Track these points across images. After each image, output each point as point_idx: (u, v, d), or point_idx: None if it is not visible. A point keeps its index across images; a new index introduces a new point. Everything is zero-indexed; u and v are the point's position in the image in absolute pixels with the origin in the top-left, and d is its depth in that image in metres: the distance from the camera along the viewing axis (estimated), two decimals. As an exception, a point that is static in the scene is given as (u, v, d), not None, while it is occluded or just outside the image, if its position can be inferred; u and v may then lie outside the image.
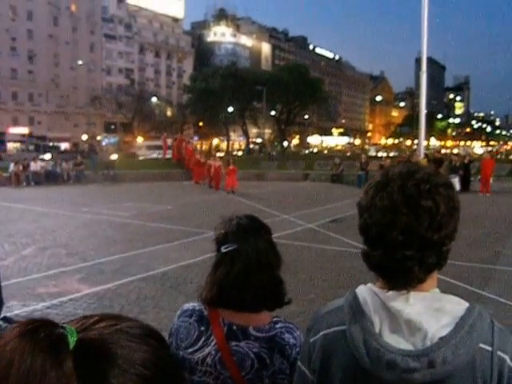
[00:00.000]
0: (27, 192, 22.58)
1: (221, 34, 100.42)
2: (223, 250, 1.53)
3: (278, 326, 1.51)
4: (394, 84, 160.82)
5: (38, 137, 55.97)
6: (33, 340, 0.51)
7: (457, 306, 1.00)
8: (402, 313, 0.99)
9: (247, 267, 1.50)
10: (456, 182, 22.24)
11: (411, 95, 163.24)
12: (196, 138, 71.53)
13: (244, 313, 1.50)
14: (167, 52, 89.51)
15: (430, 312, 0.99)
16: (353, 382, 1.03)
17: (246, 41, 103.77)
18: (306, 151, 76.55)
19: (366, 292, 1.06)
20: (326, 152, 71.46)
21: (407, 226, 0.97)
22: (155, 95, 74.60)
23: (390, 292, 1.02)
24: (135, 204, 17.24)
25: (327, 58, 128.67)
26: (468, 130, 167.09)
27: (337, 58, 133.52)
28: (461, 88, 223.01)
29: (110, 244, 10.40)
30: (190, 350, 1.51)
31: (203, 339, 1.51)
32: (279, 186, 25.24)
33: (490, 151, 48.31)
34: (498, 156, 59.38)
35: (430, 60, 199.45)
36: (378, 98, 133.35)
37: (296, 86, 68.13)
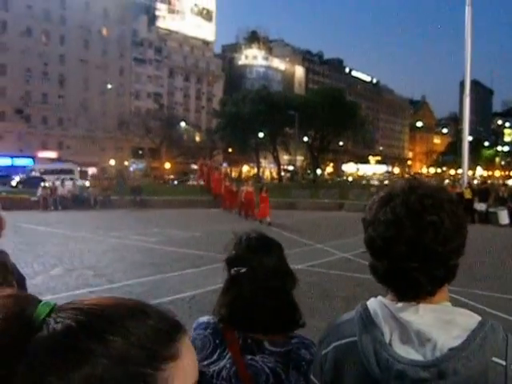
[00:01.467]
0: (55, 216, 23.73)
1: (252, 57, 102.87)
2: (233, 272, 1.62)
3: (293, 341, 1.56)
4: (436, 109, 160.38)
5: (66, 161, 58.34)
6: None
7: (468, 319, 1.04)
8: (411, 324, 1.04)
9: (256, 290, 1.57)
10: (505, 215, 22.24)
11: (455, 121, 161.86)
12: (225, 164, 72.95)
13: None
14: (197, 76, 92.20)
15: (440, 324, 1.03)
16: None
17: (279, 64, 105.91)
18: (338, 179, 76.01)
19: (376, 304, 1.12)
20: (362, 181, 71.13)
21: (411, 239, 1.03)
22: (184, 120, 76.76)
23: (400, 304, 1.08)
24: (163, 230, 17.91)
25: (364, 81, 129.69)
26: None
27: (374, 81, 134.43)
28: (510, 113, 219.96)
29: (138, 267, 11.03)
30: (206, 363, 1.56)
31: (218, 352, 1.57)
32: (312, 215, 25.53)
33: None
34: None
35: (476, 83, 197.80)
36: (419, 124, 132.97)
37: (330, 111, 68.51)
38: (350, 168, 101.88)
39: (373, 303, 1.14)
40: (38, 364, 0.51)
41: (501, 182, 59.36)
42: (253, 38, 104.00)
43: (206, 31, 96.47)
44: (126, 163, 73.02)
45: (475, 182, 44.88)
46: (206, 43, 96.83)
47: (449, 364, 0.97)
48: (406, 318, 1.05)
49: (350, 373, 1.11)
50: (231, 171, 69.92)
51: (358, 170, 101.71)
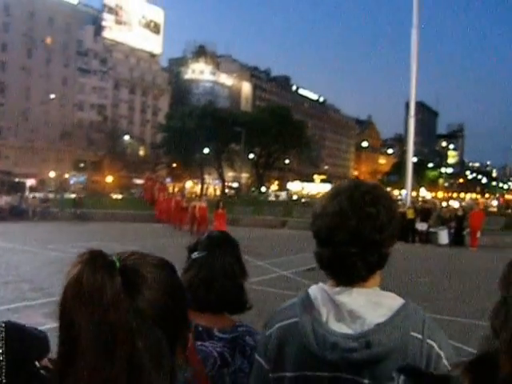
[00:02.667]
0: (-9, 227, 23.44)
1: (199, 72, 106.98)
2: (193, 256, 1.93)
3: (240, 329, 1.84)
4: (382, 129, 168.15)
5: (3, 172, 59.79)
6: (94, 264, 0.86)
7: (394, 301, 1.32)
8: (345, 304, 1.29)
9: (212, 273, 1.85)
10: (444, 235, 23.54)
11: (400, 142, 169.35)
12: (169, 179, 75.48)
13: (209, 314, 1.83)
14: (143, 88, 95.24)
15: (369, 304, 1.29)
16: (303, 365, 1.32)
17: (226, 79, 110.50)
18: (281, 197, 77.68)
19: (316, 289, 1.38)
20: (306, 199, 73.88)
21: (353, 228, 1.28)
22: (128, 133, 79.16)
23: (337, 288, 1.33)
24: (102, 243, 17.04)
25: (311, 99, 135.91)
26: (462, 180, 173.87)
27: (321, 99, 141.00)
28: (454, 136, 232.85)
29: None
30: None
31: None
32: (255, 232, 25.10)
33: (478, 204, 51.14)
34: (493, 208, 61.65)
35: (422, 105, 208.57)
36: (364, 144, 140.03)
37: (277, 129, 72.55)
38: (295, 186, 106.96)
39: (313, 289, 1.39)
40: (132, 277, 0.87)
41: (440, 202, 64.44)
42: (200, 53, 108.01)
43: (153, 44, 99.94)
44: (67, 175, 74.44)
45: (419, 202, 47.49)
46: (152, 56, 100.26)
47: (374, 336, 1.23)
48: (341, 299, 1.30)
49: (291, 349, 1.35)
50: (174, 187, 72.52)
51: (303, 188, 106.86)
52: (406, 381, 0.99)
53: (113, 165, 72.86)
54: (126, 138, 77.46)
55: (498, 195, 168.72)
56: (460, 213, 25.46)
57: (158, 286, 0.92)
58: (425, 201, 45.93)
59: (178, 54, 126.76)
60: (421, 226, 24.55)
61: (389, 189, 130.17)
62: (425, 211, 26.08)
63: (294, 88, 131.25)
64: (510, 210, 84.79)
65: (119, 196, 59.22)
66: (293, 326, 1.37)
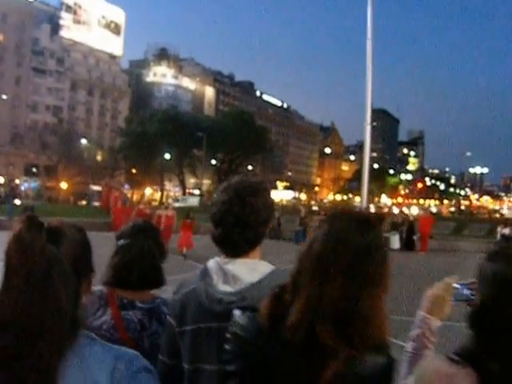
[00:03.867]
0: None
1: (161, 75, 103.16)
2: (119, 243, 2.30)
3: (157, 300, 2.24)
4: (345, 136, 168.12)
5: None
6: (28, 224, 1.18)
7: (266, 268, 1.72)
8: (230, 271, 1.68)
9: (133, 257, 2.22)
10: (396, 240, 24.57)
11: (362, 148, 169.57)
12: (127, 186, 72.00)
13: (132, 291, 2.20)
14: (101, 90, 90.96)
15: (247, 270, 1.69)
16: (198, 319, 1.68)
17: (189, 83, 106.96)
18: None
19: (212, 262, 1.76)
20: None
21: (237, 213, 1.67)
22: (85, 137, 75.10)
23: (226, 259, 1.72)
24: None
25: (275, 105, 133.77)
26: (420, 186, 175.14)
27: (285, 105, 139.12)
28: (415, 143, 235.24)
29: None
30: (91, 319, 2.15)
31: (102, 310, 2.19)
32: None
33: (427, 209, 51.74)
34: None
35: (384, 112, 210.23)
36: (327, 151, 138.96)
37: (239, 135, 70.36)
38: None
39: (210, 262, 1.77)
40: None
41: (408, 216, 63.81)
42: (162, 55, 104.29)
43: (113, 45, 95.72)
44: (18, 181, 69.96)
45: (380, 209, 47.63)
46: (112, 57, 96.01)
47: (248, 292, 1.61)
48: (227, 268, 1.69)
49: (191, 308, 1.71)
50: (133, 193, 69.06)
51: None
52: (241, 314, 1.46)
53: (68, 170, 68.52)
54: (83, 141, 73.30)
55: (454, 201, 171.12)
56: (412, 218, 27.27)
57: (74, 241, 1.41)
58: (380, 207, 45.49)
59: (139, 55, 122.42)
60: None
61: (350, 195, 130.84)
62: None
63: (258, 94, 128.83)
64: (464, 216, 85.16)
65: (83, 202, 56.09)
66: (192, 290, 1.73)
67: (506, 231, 25.65)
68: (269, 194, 1.81)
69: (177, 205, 45.16)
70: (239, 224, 1.70)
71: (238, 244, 1.72)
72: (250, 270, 1.70)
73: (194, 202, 62.54)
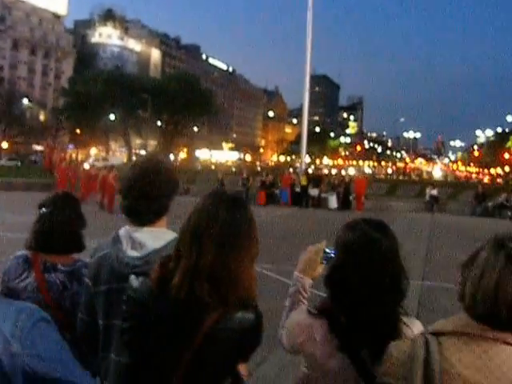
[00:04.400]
0: None
1: (107, 36, 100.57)
2: (41, 211, 2.40)
3: (78, 263, 2.35)
4: (288, 100, 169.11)
5: None
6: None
7: (170, 235, 1.91)
8: (137, 238, 1.89)
9: (54, 224, 2.34)
10: (333, 200, 25.35)
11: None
12: (71, 146, 70.77)
13: (55, 255, 2.32)
14: (45, 50, 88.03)
15: (152, 238, 1.89)
16: (110, 280, 1.87)
17: (135, 45, 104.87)
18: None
19: (122, 230, 1.95)
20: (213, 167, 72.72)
21: (142, 187, 1.91)
22: (27, 96, 72.91)
23: (134, 228, 1.92)
24: None
25: (221, 69, 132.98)
26: (359, 149, 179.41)
27: (230, 69, 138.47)
28: (355, 108, 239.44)
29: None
30: (17, 281, 2.27)
31: (26, 273, 2.29)
32: None
33: (362, 171, 53.57)
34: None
35: (325, 78, 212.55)
36: (271, 114, 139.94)
37: (185, 97, 70.08)
38: (203, 154, 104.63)
39: (121, 230, 1.95)
40: None
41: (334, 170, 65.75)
42: (108, 16, 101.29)
43: (56, 4, 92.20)
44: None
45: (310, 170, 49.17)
46: (56, 17, 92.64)
47: (151, 257, 1.81)
48: (135, 235, 1.89)
49: (104, 270, 1.90)
50: (78, 154, 68.07)
51: (211, 156, 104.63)
52: (134, 278, 1.66)
53: (9, 130, 66.40)
54: (25, 101, 71.05)
55: (390, 163, 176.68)
56: (347, 179, 27.61)
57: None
58: (318, 169, 46.45)
59: (84, 16, 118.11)
60: (313, 192, 25.64)
61: (294, 157, 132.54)
62: (316, 178, 27.71)
63: (204, 57, 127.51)
64: (401, 177, 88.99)
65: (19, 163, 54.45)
66: (106, 254, 1.91)
67: (434, 192, 27.02)
68: (171, 171, 2.06)
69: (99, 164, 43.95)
70: (144, 197, 1.91)
71: (143, 215, 1.92)
72: (155, 237, 1.90)
73: (117, 160, 61.50)
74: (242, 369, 1.77)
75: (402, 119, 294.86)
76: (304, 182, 26.04)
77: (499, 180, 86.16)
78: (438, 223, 20.74)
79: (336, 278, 1.73)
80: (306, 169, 31.19)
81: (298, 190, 26.11)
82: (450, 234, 17.15)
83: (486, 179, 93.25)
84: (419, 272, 10.06)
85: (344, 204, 24.88)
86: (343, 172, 62.28)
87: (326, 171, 59.13)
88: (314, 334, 1.74)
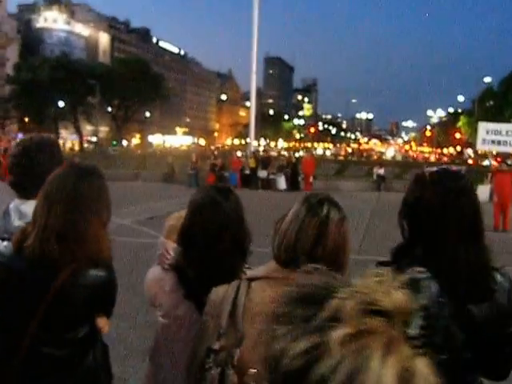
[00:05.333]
0: None
1: (52, 20, 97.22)
2: None
3: None
4: (242, 83, 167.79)
5: None
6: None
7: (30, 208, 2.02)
8: (23, 209, 2.10)
9: None
10: (282, 181, 25.34)
11: (259, 95, 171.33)
12: (20, 135, 68.55)
13: None
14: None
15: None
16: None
17: (82, 29, 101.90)
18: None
19: (12, 203, 2.17)
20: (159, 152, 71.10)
21: (25, 165, 2.15)
22: (-30, 85, 70.04)
23: (21, 201, 2.14)
24: None
25: (172, 52, 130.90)
26: (313, 131, 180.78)
27: (182, 52, 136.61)
28: (309, 90, 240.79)
29: None
30: None
31: None
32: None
33: (309, 151, 53.92)
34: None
35: (279, 60, 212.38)
36: (223, 97, 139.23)
37: (135, 82, 69.15)
38: (157, 139, 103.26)
39: (11, 203, 2.18)
40: None
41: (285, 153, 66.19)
42: (53, 0, 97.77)
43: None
44: None
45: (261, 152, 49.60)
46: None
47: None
48: (21, 207, 2.10)
49: None
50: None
51: (164, 142, 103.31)
52: (0, 243, 1.90)
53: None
54: (-31, 89, 68.18)
55: (344, 144, 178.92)
56: (294, 160, 27.86)
57: None
58: (265, 150, 46.44)
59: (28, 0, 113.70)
60: (262, 174, 25.86)
61: (248, 140, 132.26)
62: (265, 160, 27.74)
63: (155, 40, 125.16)
64: (357, 158, 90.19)
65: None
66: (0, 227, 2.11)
67: (381, 171, 27.52)
68: (55, 148, 2.30)
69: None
70: (27, 173, 2.12)
71: (28, 189, 2.09)
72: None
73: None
74: (102, 322, 1.94)
75: (354, 100, 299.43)
76: (252, 164, 26.29)
77: (445, 159, 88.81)
78: (382, 201, 21.14)
79: (185, 235, 1.93)
80: (255, 151, 31.12)
81: (247, 172, 26.26)
82: (391, 211, 17.28)
83: (433, 158, 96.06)
84: (356, 247, 10.29)
85: (292, 185, 24.93)
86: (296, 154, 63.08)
87: (274, 153, 59.44)
88: (164, 285, 1.97)
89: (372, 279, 0.62)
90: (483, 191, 17.32)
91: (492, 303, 1.64)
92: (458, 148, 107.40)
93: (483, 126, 21.43)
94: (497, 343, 1.66)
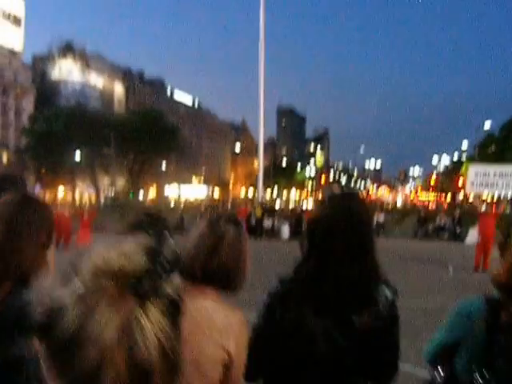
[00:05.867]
0: None
1: (67, 71, 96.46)
2: None
3: None
4: (255, 133, 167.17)
5: None
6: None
7: None
8: None
9: None
10: (286, 230, 25.79)
11: (273, 145, 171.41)
12: (38, 187, 66.40)
13: None
14: (2, 87, 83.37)
15: None
16: None
17: (97, 80, 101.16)
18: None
19: None
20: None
21: None
22: (-14, 137, 68.49)
23: None
24: None
25: (186, 105, 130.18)
26: (323, 180, 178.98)
27: (196, 104, 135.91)
28: (321, 138, 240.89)
29: None
30: None
31: None
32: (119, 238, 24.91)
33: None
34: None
35: (291, 111, 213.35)
36: (237, 149, 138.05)
37: (149, 134, 67.80)
38: (172, 191, 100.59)
39: None
40: None
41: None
42: (68, 50, 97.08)
43: (11, 38, 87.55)
44: None
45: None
46: (13, 53, 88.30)
47: None
48: None
49: None
50: (45, 194, 63.68)
51: (179, 195, 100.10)
52: None
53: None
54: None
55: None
56: (299, 210, 29.38)
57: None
58: (272, 201, 44.93)
59: (42, 48, 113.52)
60: (266, 223, 26.46)
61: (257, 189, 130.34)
62: (270, 209, 28.87)
63: (169, 92, 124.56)
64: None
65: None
66: None
67: (380, 219, 27.85)
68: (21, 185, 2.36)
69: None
70: None
71: None
72: None
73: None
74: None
75: (363, 146, 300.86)
76: (259, 213, 26.66)
77: (445, 206, 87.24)
78: (380, 247, 19.50)
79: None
80: (262, 201, 31.43)
81: (253, 222, 26.27)
82: (388, 256, 16.08)
83: (431, 204, 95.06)
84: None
85: (296, 234, 24.68)
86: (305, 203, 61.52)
87: (278, 205, 57.37)
88: None
89: (115, 247, 0.72)
90: (473, 234, 18.01)
91: (374, 313, 1.77)
92: (461, 195, 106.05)
93: (473, 169, 21.09)
94: (379, 350, 1.78)
